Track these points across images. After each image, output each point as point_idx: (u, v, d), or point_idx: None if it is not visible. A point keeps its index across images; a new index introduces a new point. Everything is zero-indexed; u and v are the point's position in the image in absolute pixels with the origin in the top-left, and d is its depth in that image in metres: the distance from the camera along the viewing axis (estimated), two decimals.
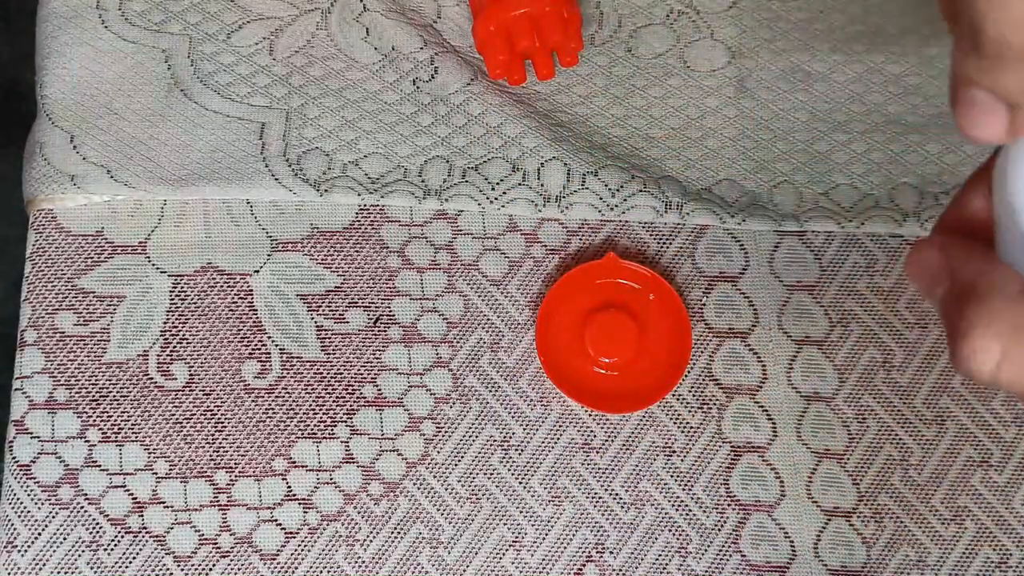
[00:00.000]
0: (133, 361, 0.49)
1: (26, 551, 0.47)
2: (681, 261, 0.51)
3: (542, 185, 0.51)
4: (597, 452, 0.49)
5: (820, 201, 0.51)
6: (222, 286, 0.50)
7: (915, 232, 0.51)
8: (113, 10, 0.54)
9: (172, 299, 0.50)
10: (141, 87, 0.52)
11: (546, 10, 0.51)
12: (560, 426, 0.49)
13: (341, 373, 0.49)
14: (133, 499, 0.48)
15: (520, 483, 0.48)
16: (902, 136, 0.52)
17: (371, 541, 0.48)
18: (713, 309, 0.50)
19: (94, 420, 0.48)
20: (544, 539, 0.48)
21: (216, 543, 0.47)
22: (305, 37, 0.54)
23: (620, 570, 0.47)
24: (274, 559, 0.47)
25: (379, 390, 0.49)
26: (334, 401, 0.49)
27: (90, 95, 0.52)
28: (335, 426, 0.49)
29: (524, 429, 0.49)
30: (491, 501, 0.48)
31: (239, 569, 0.47)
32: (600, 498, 0.48)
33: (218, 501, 0.48)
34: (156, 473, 0.48)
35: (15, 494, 0.48)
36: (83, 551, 0.47)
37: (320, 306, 0.50)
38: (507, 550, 0.48)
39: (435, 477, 0.48)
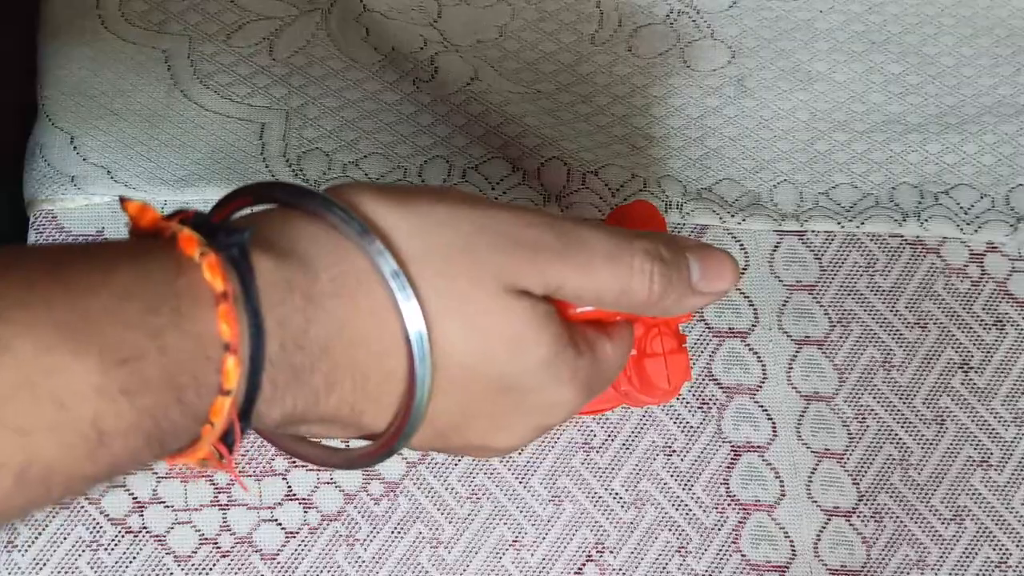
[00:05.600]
0: None
1: (26, 551, 0.47)
2: None
3: (542, 185, 0.51)
4: (597, 451, 0.49)
5: (820, 201, 0.51)
6: None
7: (915, 232, 0.51)
8: (113, 10, 0.54)
9: None
10: (141, 87, 0.52)
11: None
12: (560, 425, 0.49)
13: None
14: (133, 498, 0.48)
15: (520, 482, 0.48)
16: (902, 136, 0.52)
17: (371, 541, 0.48)
18: (713, 309, 0.50)
19: None
20: (544, 539, 0.48)
21: (216, 543, 0.47)
22: (305, 37, 0.54)
23: (620, 570, 0.47)
24: (274, 559, 0.47)
25: None
26: None
27: (90, 95, 0.52)
28: None
29: None
30: (491, 500, 0.48)
31: (239, 569, 0.47)
32: (600, 498, 0.48)
33: (218, 501, 0.48)
34: (156, 472, 0.48)
35: None
36: (83, 551, 0.47)
37: None
38: (507, 550, 0.48)
39: (435, 476, 0.48)
